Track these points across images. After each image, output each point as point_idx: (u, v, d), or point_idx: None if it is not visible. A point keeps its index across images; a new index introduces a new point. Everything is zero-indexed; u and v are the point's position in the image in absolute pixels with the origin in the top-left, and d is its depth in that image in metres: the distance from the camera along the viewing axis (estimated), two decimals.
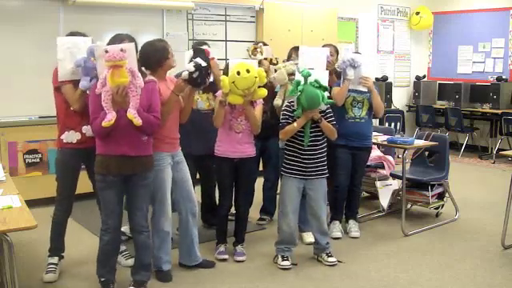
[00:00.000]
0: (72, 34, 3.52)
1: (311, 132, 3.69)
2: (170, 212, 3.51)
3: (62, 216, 3.58)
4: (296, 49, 4.21)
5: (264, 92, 3.67)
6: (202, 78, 3.29)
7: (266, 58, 4.26)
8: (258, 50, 4.22)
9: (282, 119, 3.76)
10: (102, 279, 3.27)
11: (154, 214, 3.53)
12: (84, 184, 3.60)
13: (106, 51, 2.87)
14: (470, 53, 8.92)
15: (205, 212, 4.53)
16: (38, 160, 5.34)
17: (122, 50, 2.86)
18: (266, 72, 4.11)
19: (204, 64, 3.29)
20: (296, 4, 7.09)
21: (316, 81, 3.55)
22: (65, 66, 3.33)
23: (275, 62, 4.40)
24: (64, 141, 3.45)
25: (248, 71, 3.51)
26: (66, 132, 3.44)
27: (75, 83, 3.37)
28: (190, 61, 3.36)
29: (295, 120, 3.67)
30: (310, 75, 3.55)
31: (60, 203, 3.56)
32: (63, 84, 3.38)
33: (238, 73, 3.50)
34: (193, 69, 3.25)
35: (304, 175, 3.74)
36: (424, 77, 9.29)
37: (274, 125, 3.94)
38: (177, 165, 3.54)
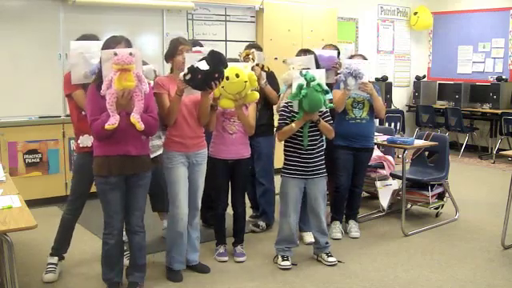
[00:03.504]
0: (85, 36, 3.49)
1: (309, 132, 3.69)
2: (182, 212, 3.48)
3: (73, 215, 3.58)
4: (304, 51, 4.17)
5: (256, 95, 3.65)
6: (195, 81, 3.24)
7: (257, 64, 4.21)
8: (250, 56, 4.18)
9: (280, 120, 3.76)
10: (112, 281, 3.24)
11: (169, 213, 3.56)
12: None
13: (115, 54, 2.86)
14: (470, 53, 8.92)
15: (203, 211, 4.52)
16: (37, 160, 5.34)
17: (130, 54, 2.87)
18: (258, 78, 4.10)
19: (204, 68, 3.24)
20: (296, 4, 7.09)
21: (319, 84, 3.53)
22: (77, 70, 3.31)
23: (267, 69, 4.37)
24: (80, 145, 3.48)
25: (237, 76, 3.47)
26: (81, 137, 3.47)
27: (86, 88, 3.37)
28: (200, 60, 3.32)
29: (293, 120, 3.67)
30: (314, 80, 3.52)
31: (71, 203, 3.58)
32: (74, 90, 3.39)
33: (227, 78, 3.46)
34: (186, 70, 3.25)
35: (305, 175, 3.74)
36: (424, 77, 9.30)
37: (262, 125, 3.92)
38: (193, 166, 3.52)
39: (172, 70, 3.53)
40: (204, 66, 3.24)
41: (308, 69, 3.71)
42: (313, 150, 3.73)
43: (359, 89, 4.12)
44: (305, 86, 3.52)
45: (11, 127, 5.21)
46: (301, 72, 3.58)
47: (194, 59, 3.28)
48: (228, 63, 3.61)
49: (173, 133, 3.44)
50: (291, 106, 3.69)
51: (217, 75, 3.30)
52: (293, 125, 3.65)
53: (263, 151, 4.44)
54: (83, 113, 3.42)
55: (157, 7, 6.05)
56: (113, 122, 2.90)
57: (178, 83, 3.28)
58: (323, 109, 3.65)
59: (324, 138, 3.85)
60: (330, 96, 4.10)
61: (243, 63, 3.81)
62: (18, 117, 5.30)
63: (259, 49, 4.38)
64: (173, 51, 3.46)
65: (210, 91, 3.38)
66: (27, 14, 5.34)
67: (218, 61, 3.32)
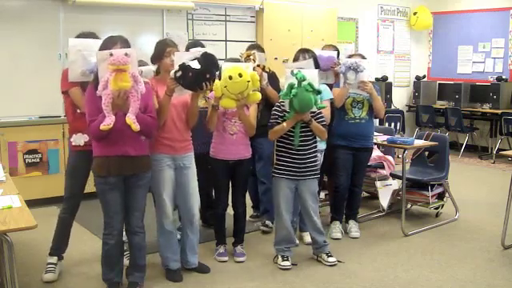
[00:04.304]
0: (83, 34, 3.48)
1: (301, 132, 3.68)
2: (169, 212, 3.50)
3: (69, 214, 3.58)
4: (303, 51, 4.18)
5: (258, 96, 3.64)
6: (185, 79, 3.21)
7: (258, 65, 4.21)
8: (251, 57, 4.17)
9: (272, 119, 3.75)
10: (112, 281, 3.25)
11: (156, 214, 3.56)
12: None
13: (111, 54, 2.86)
14: (470, 53, 8.92)
15: (203, 211, 4.52)
16: (38, 160, 5.34)
17: (126, 55, 2.86)
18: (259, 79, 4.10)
19: (195, 66, 3.22)
20: (296, 4, 7.10)
21: (310, 84, 3.52)
22: (75, 68, 3.30)
23: (268, 69, 4.37)
24: (73, 143, 3.48)
25: (240, 75, 3.45)
26: (74, 135, 3.46)
27: (83, 86, 3.36)
28: (192, 60, 3.32)
29: (285, 120, 3.66)
30: (304, 79, 3.51)
31: (66, 201, 3.58)
32: (70, 88, 3.38)
33: (230, 77, 3.45)
34: (177, 67, 3.22)
35: (296, 176, 3.73)
36: (424, 77, 9.30)
37: (263, 126, 3.97)
38: (180, 169, 3.50)
39: (157, 73, 3.51)
40: (196, 65, 3.23)
41: (301, 68, 3.70)
42: (304, 150, 3.71)
43: (359, 88, 4.13)
44: (295, 86, 3.51)
45: (11, 127, 5.21)
46: (292, 71, 3.57)
47: (185, 59, 3.26)
48: (229, 63, 3.61)
49: (161, 135, 3.40)
50: (283, 106, 3.68)
51: (208, 76, 3.28)
52: (284, 124, 3.63)
53: (265, 152, 4.43)
54: (78, 111, 3.41)
55: (157, 7, 6.06)
56: (108, 122, 2.90)
57: (169, 83, 3.26)
58: (314, 109, 3.64)
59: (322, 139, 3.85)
60: (329, 96, 4.11)
61: (245, 63, 3.80)
62: (17, 117, 5.30)
63: (261, 49, 4.38)
64: (160, 53, 3.43)
65: (200, 93, 3.37)
66: (27, 13, 5.34)
67: (210, 62, 3.31)
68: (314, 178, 3.80)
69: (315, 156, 3.80)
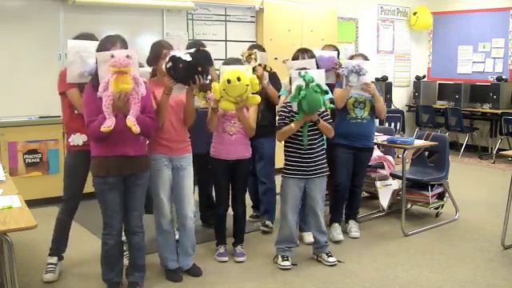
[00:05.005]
0: (83, 34, 3.47)
1: (308, 132, 3.68)
2: (166, 211, 3.50)
3: (67, 215, 3.58)
4: (302, 51, 4.17)
5: (257, 99, 3.62)
6: (176, 71, 3.20)
7: (260, 64, 4.21)
8: (253, 56, 4.17)
9: (279, 120, 3.76)
10: (112, 281, 3.25)
11: (154, 214, 3.56)
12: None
13: (112, 56, 2.85)
14: (470, 53, 8.92)
15: (203, 211, 4.52)
16: (37, 160, 5.34)
17: (127, 57, 2.86)
18: (260, 78, 4.11)
19: (186, 58, 3.20)
20: (296, 4, 7.09)
21: (318, 85, 3.52)
22: (73, 69, 3.30)
23: (269, 69, 4.37)
24: (71, 144, 3.47)
25: (239, 79, 3.44)
26: (72, 135, 3.46)
27: (80, 87, 3.35)
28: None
29: (292, 121, 3.66)
30: (312, 80, 3.51)
31: (65, 202, 3.58)
32: (68, 89, 3.38)
33: (229, 81, 3.44)
34: (167, 59, 3.21)
35: (306, 175, 3.74)
36: (424, 77, 9.30)
37: (264, 126, 3.94)
38: (177, 170, 3.50)
39: (154, 75, 3.50)
40: (186, 57, 3.22)
41: (305, 69, 3.69)
42: (313, 149, 3.73)
43: (362, 89, 4.13)
44: (303, 87, 3.51)
45: (11, 127, 5.21)
46: (299, 73, 3.56)
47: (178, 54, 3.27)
48: (229, 66, 3.61)
49: (159, 135, 3.39)
50: (290, 107, 3.69)
51: (200, 69, 3.26)
52: (292, 125, 3.65)
53: (265, 152, 4.43)
54: (76, 112, 3.41)
55: (157, 7, 6.06)
56: (109, 124, 2.89)
57: (166, 81, 3.26)
58: (323, 109, 3.65)
59: (324, 137, 3.85)
60: (330, 96, 4.11)
61: (245, 66, 3.80)
62: (17, 117, 5.30)
63: (262, 49, 4.39)
64: (156, 56, 3.41)
65: (194, 87, 3.35)
66: (27, 13, 5.34)
67: (201, 56, 3.30)
68: (323, 176, 3.82)
69: (324, 154, 3.81)
